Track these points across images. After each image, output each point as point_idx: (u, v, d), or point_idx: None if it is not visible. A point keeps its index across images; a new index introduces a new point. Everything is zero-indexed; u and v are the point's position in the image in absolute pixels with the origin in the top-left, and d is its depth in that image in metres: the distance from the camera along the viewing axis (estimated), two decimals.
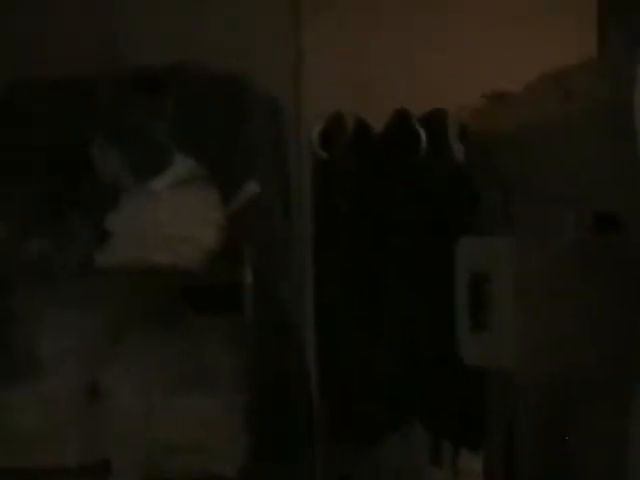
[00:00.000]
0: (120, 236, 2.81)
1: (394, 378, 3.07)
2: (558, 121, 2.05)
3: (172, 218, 2.80)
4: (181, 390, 2.88)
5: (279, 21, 3.08)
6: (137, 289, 2.87)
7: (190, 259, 2.79)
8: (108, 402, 2.88)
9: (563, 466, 2.16)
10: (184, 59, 2.86)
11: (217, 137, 2.81)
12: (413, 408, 3.09)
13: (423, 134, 3.23)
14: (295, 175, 3.13)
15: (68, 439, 2.83)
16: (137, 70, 2.84)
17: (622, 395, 2.01)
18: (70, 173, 2.83)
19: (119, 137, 2.81)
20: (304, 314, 3.05)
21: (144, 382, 2.89)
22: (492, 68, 3.23)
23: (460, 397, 2.87)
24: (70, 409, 2.86)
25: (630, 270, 1.98)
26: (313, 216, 3.17)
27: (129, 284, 2.85)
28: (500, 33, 3.27)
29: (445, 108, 3.27)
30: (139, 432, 2.80)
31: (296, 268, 3.07)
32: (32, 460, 2.80)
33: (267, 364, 2.88)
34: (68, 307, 2.89)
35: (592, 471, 2.07)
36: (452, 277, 2.53)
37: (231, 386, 2.87)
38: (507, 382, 2.38)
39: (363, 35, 3.30)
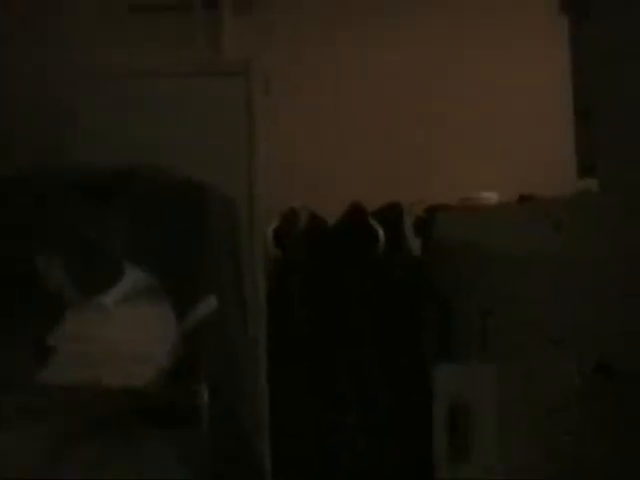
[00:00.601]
0: (64, 353, 2.62)
1: None
2: (548, 254, 1.96)
3: (122, 335, 2.63)
4: None
5: (231, 120, 2.94)
6: (84, 406, 2.67)
7: (142, 379, 2.61)
8: None
9: None
10: (135, 162, 2.70)
11: (172, 247, 2.65)
12: None
13: (380, 231, 3.17)
14: (249, 276, 3.00)
15: None
16: (86, 176, 2.66)
17: None
18: (13, 286, 2.63)
19: (65, 248, 2.62)
20: (261, 427, 2.92)
21: None
22: (447, 167, 3.17)
23: None
24: None
25: (622, 412, 1.90)
26: (268, 319, 3.07)
27: (75, 400, 2.65)
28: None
29: (400, 201, 3.22)
30: None
31: (251, 375, 2.94)
32: None
33: None
34: (7, 426, 2.68)
35: None
36: (418, 388, 2.43)
37: None
38: None
39: (315, 129, 3.21)
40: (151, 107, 2.94)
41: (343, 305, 3.12)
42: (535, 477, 2.09)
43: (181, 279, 2.64)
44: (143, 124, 2.92)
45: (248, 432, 2.88)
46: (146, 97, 2.93)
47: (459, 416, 2.26)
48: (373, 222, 3.14)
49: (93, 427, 2.69)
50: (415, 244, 3.18)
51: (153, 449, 2.74)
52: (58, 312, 2.64)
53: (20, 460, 2.70)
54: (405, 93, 3.20)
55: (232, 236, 2.86)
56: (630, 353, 1.79)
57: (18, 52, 2.85)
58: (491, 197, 2.53)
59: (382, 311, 3.11)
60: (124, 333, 2.63)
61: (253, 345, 3.01)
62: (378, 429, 3.01)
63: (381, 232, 3.10)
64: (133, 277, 2.63)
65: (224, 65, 3.02)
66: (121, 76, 2.88)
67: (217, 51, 3.10)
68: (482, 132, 3.13)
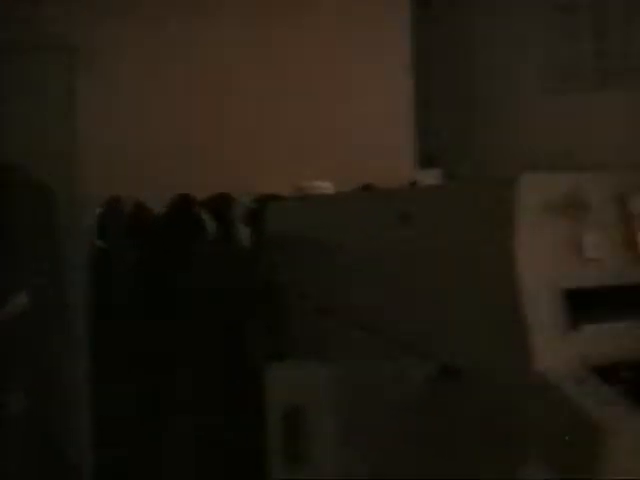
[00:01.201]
0: None
1: None
2: (393, 248, 1.84)
3: None
4: None
5: (50, 98, 2.71)
6: None
7: None
8: None
9: None
10: None
11: None
12: None
13: (208, 221, 3.03)
14: (70, 267, 2.80)
15: None
16: None
17: None
18: None
19: None
20: (82, 423, 2.74)
21: None
22: (279, 157, 3.05)
23: None
24: None
25: (467, 413, 1.81)
26: (91, 311, 2.89)
27: None
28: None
29: (229, 192, 3.10)
30: None
31: (71, 373, 2.76)
32: None
33: None
34: None
35: None
36: (249, 385, 2.31)
37: None
38: None
39: (141, 114, 3.02)
40: None
41: (172, 294, 2.97)
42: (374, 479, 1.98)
43: None
44: None
45: (62, 432, 2.70)
46: None
47: (293, 418, 2.12)
48: (201, 211, 2.99)
49: None
50: (245, 234, 3.05)
51: None
52: None
53: None
54: (237, 79, 3.05)
55: (47, 226, 2.64)
56: (477, 354, 1.70)
57: None
58: (326, 186, 2.40)
59: (213, 301, 2.98)
60: None
61: (73, 341, 2.81)
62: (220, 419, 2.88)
63: (209, 221, 2.95)
64: None
65: (44, 40, 2.79)
66: None
67: (37, 25, 2.86)
68: (318, 121, 3.01)
